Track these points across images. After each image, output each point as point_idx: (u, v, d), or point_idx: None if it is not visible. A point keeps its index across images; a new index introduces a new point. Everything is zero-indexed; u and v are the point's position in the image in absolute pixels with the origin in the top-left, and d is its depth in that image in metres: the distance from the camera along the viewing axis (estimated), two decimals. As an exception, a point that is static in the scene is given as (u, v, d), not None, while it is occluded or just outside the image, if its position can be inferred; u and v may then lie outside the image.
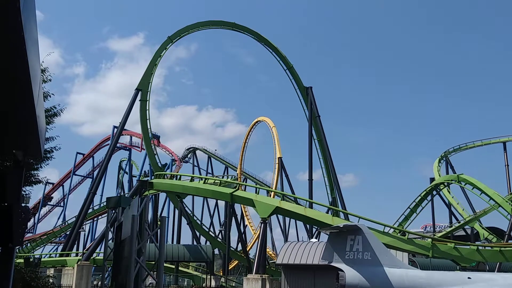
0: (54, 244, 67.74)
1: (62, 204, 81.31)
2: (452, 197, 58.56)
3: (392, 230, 34.42)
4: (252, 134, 76.63)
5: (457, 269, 31.60)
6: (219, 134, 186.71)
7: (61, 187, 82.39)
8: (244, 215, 73.33)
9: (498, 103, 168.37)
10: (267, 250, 58.93)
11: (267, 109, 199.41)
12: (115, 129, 59.02)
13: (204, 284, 45.65)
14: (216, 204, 76.08)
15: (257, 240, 47.81)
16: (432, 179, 59.87)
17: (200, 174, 72.52)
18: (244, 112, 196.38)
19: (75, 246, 52.28)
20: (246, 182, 68.49)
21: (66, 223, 63.28)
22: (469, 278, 22.22)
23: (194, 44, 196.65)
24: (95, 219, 67.15)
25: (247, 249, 60.46)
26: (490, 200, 48.06)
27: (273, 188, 59.01)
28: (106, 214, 42.11)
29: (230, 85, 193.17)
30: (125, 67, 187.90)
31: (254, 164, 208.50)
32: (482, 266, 38.82)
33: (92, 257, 39.87)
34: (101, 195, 68.47)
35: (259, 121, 72.60)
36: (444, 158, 64.91)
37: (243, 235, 61.56)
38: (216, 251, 58.66)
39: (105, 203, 50.84)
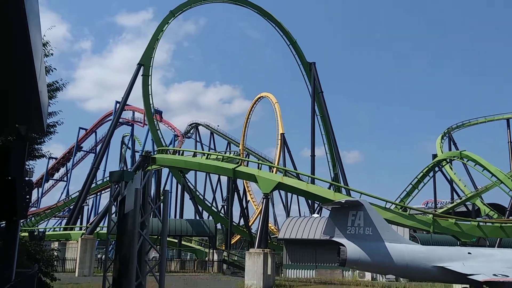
0: (58, 218, 68.39)
1: (65, 178, 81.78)
2: (454, 174, 58.62)
3: (393, 206, 34.58)
4: (256, 110, 76.57)
5: (457, 245, 31.83)
6: (226, 110, 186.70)
7: (66, 161, 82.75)
8: (247, 190, 73.65)
9: (503, 79, 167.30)
10: (269, 225, 59.37)
11: (273, 85, 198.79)
12: (118, 104, 58.94)
13: (206, 258, 46.17)
14: (219, 180, 76.48)
15: (259, 215, 48.17)
16: (435, 156, 59.88)
17: (203, 150, 72.65)
18: (251, 88, 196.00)
19: (79, 220, 52.75)
20: (248, 158, 68.63)
21: (70, 198, 63.75)
22: (469, 253, 22.39)
23: (203, 19, 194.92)
24: (98, 193, 67.67)
25: (249, 224, 60.94)
26: (492, 177, 48.13)
27: (276, 164, 59.15)
28: (109, 189, 42.32)
29: (238, 61, 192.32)
30: (133, 42, 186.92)
31: (258, 141, 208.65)
32: (483, 241, 39.07)
33: (95, 231, 40.27)
34: (104, 170, 68.86)
35: (261, 96, 72.38)
36: (447, 135, 64.72)
37: (245, 210, 61.99)
38: (219, 225, 59.11)
39: (108, 178, 51.12)
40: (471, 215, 53.61)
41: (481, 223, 32.29)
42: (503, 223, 32.11)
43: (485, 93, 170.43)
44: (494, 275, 20.11)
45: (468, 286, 22.30)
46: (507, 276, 20.12)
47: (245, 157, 66.13)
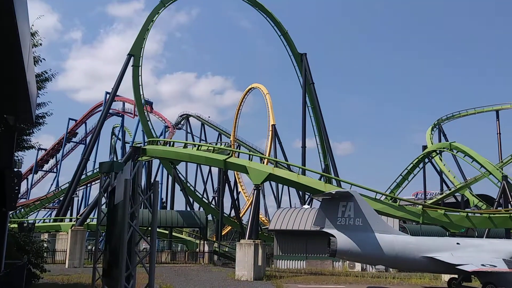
0: (48, 209, 68.09)
1: (55, 170, 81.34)
2: (444, 165, 58.98)
3: (383, 197, 34.76)
4: (248, 102, 76.67)
5: (446, 235, 32.11)
6: (217, 102, 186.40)
7: (55, 152, 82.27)
8: (238, 181, 73.75)
9: (492, 71, 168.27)
10: (260, 216, 59.49)
11: (265, 76, 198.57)
12: (108, 95, 58.57)
13: (197, 249, 46.21)
14: (210, 171, 76.53)
15: (250, 206, 48.23)
16: (425, 147, 60.20)
17: (194, 141, 72.52)
18: (243, 79, 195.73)
19: (69, 211, 52.50)
20: (239, 149, 68.62)
21: (60, 189, 63.41)
22: (458, 243, 22.63)
23: (195, 10, 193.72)
24: (88, 185, 67.38)
25: (240, 215, 61.01)
26: (481, 168, 48.45)
27: (267, 155, 59.18)
28: (99, 180, 42.27)
29: (230, 52, 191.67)
30: (124, 32, 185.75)
31: (249, 132, 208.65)
32: (471, 232, 39.47)
33: (86, 222, 40.13)
34: (94, 161, 68.63)
35: (253, 87, 72.23)
36: (437, 126, 65.08)
37: (236, 202, 62.04)
38: (210, 217, 59.16)
39: (98, 169, 50.83)
40: (460, 206, 54.06)
41: (470, 214, 32.57)
42: (492, 214, 32.39)
43: (475, 84, 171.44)
44: (483, 265, 20.35)
45: (456, 276, 22.57)
46: (495, 266, 20.37)
47: (236, 148, 66.14)
